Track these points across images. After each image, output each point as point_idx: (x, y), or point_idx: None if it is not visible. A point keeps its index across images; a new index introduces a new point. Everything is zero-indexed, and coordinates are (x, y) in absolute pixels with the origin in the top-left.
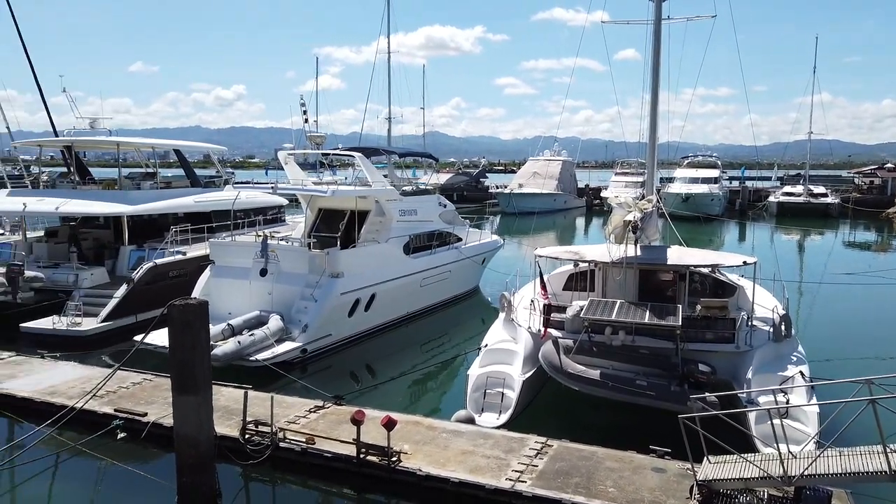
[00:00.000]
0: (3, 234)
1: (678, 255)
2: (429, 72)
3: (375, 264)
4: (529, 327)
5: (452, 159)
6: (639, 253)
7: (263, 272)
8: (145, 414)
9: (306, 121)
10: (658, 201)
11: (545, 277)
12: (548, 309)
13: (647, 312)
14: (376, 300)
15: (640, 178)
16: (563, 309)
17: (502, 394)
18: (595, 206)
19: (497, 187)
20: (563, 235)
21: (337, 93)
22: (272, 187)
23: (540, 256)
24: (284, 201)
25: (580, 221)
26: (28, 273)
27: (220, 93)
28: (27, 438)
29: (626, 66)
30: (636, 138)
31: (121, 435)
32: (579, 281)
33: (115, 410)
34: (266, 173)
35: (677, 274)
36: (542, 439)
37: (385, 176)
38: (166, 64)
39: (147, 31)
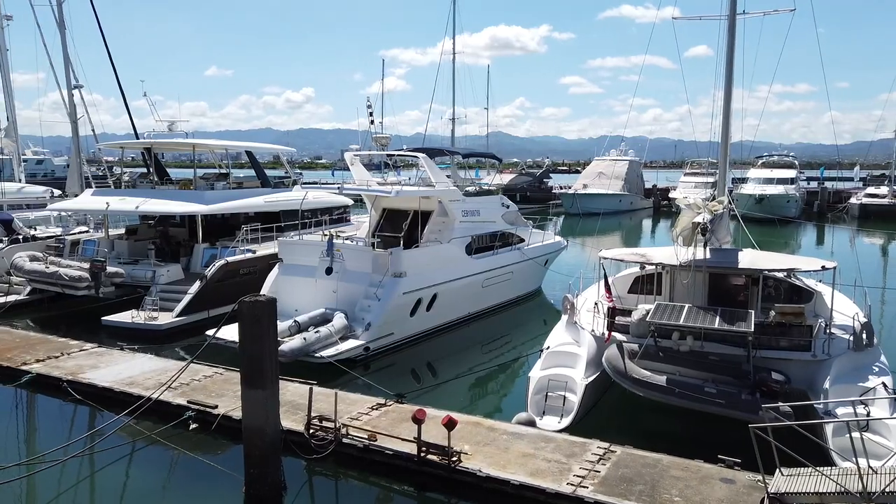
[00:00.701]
0: (87, 232)
1: (751, 258)
2: (493, 72)
3: (438, 264)
4: (593, 330)
5: (516, 159)
6: (708, 256)
7: (329, 271)
8: (216, 406)
9: (372, 122)
10: (730, 202)
11: (610, 280)
12: (612, 312)
13: (717, 318)
14: (438, 300)
15: (711, 179)
16: (628, 312)
17: (564, 397)
18: (663, 207)
19: (561, 188)
20: (628, 237)
21: (402, 94)
22: (338, 188)
23: (605, 258)
24: (350, 201)
25: (647, 223)
26: (110, 269)
27: (290, 95)
28: (107, 426)
29: (697, 62)
30: (707, 137)
31: (193, 426)
32: (645, 284)
33: (188, 402)
34: (332, 174)
35: (749, 278)
36: (605, 445)
37: (448, 176)
38: (239, 68)
39: (222, 38)
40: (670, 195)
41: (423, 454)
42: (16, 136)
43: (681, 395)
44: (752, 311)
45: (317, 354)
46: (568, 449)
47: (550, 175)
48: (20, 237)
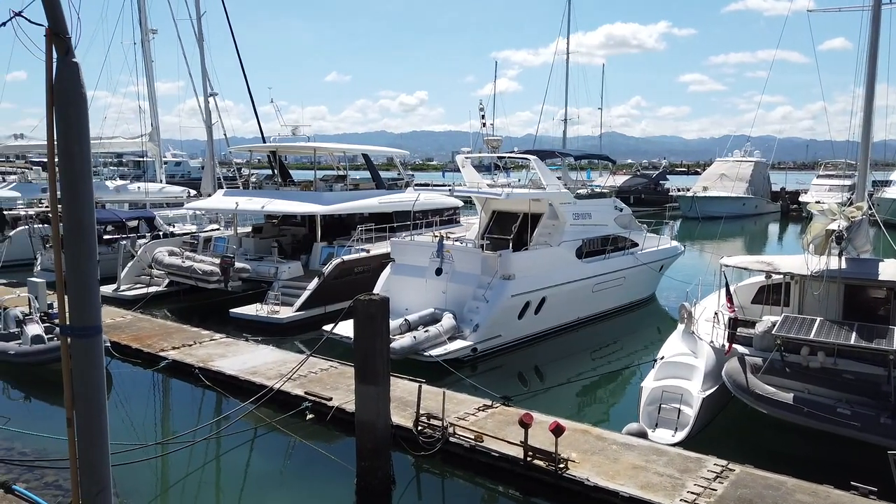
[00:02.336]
0: (218, 230)
1: (894, 269)
2: (608, 71)
3: (547, 267)
4: (712, 341)
5: (630, 160)
6: (844, 266)
7: (439, 271)
8: (330, 398)
9: (484, 124)
10: (870, 208)
11: (731, 288)
12: (734, 323)
13: (854, 333)
14: (547, 303)
15: (848, 182)
16: (751, 324)
17: (679, 410)
18: (792, 211)
19: (678, 190)
20: (752, 243)
21: (513, 95)
22: (449, 189)
23: (727, 266)
24: (460, 203)
25: (773, 228)
26: (238, 265)
27: (403, 99)
28: (232, 413)
29: (834, 56)
30: (845, 136)
31: (309, 416)
32: (771, 294)
33: (306, 393)
34: (443, 175)
35: (892, 291)
36: (723, 462)
37: (559, 178)
38: (357, 73)
39: (342, 45)
40: (801, 199)
41: (529, 459)
42: (158, 141)
43: (810, 415)
44: (894, 328)
45: (425, 353)
46: (682, 464)
47: (667, 177)
48: (160, 233)
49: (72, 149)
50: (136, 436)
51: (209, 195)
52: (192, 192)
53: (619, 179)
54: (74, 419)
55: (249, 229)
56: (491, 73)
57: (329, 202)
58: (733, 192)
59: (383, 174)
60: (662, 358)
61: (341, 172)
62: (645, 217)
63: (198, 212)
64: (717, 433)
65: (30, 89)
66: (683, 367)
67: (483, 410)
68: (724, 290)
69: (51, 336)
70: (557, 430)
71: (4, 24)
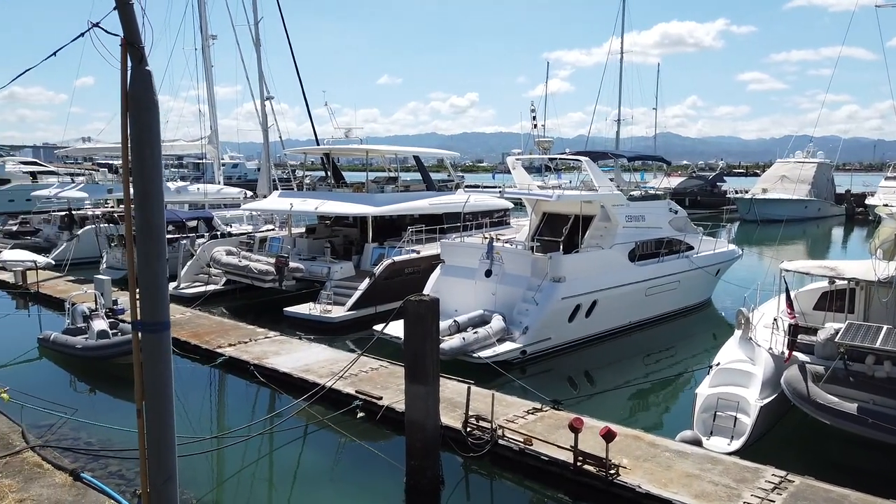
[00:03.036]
0: (273, 230)
1: None
2: (663, 70)
3: (598, 270)
4: (771, 348)
5: (685, 162)
6: None
7: (488, 273)
8: (381, 398)
9: (535, 126)
10: None
11: (792, 294)
12: (794, 329)
13: None
14: (598, 307)
15: None
16: (813, 331)
17: (735, 418)
18: (857, 215)
19: (736, 192)
20: (814, 248)
21: (565, 96)
22: (500, 191)
23: (787, 270)
24: (510, 204)
25: (837, 232)
26: (292, 264)
27: (454, 100)
28: (285, 410)
29: None
30: None
31: (360, 414)
32: (834, 300)
33: (356, 392)
34: (493, 177)
35: None
36: (782, 473)
37: (611, 180)
38: (408, 76)
39: (394, 48)
40: (867, 202)
41: (579, 463)
42: (217, 143)
43: (876, 427)
44: None
45: (474, 355)
46: (738, 473)
47: (724, 178)
48: (218, 233)
49: (144, 152)
50: (192, 429)
51: (265, 196)
52: (249, 193)
53: (675, 181)
54: (144, 410)
55: (303, 230)
56: (542, 73)
57: (380, 203)
58: (795, 194)
59: (434, 176)
60: (718, 364)
61: (392, 174)
62: (701, 220)
63: (254, 212)
64: (775, 443)
65: (97, 94)
66: (740, 374)
67: (532, 413)
68: (784, 296)
69: (115, 331)
70: (608, 436)
71: (83, 34)
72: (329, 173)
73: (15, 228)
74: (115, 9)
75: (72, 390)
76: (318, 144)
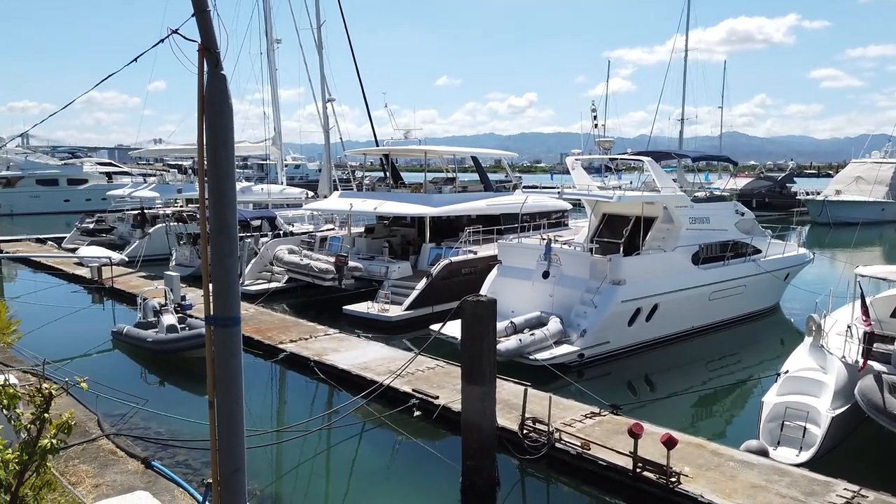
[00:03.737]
0: (333, 229)
1: None
2: (730, 67)
3: (660, 273)
4: (844, 357)
5: (753, 162)
6: None
7: (546, 274)
8: (437, 397)
9: (595, 126)
10: None
11: (868, 300)
12: (870, 338)
13: None
14: (659, 311)
15: None
16: (889, 339)
17: (804, 428)
18: None
19: (807, 193)
20: (892, 252)
21: (626, 95)
22: (558, 192)
23: (862, 276)
24: (569, 205)
25: None
26: (351, 263)
27: (512, 101)
28: (343, 406)
29: None
30: None
31: (416, 413)
32: None
33: (413, 390)
34: (551, 177)
35: None
36: (854, 487)
37: (674, 181)
38: (467, 76)
39: (453, 49)
40: None
41: (638, 470)
42: (280, 145)
43: None
44: None
45: (531, 356)
46: (807, 486)
47: (794, 179)
48: (281, 233)
49: (219, 154)
50: (254, 422)
51: (325, 197)
52: (310, 193)
53: (741, 182)
54: (215, 403)
55: (362, 229)
56: (603, 72)
57: (438, 204)
58: (871, 196)
59: (491, 176)
60: (787, 372)
61: (450, 175)
62: (769, 222)
63: (315, 212)
64: (848, 456)
65: (169, 97)
66: (810, 382)
67: (590, 418)
68: (858, 302)
69: (183, 326)
70: (670, 443)
71: (163, 40)
72: (388, 174)
73: (92, 226)
74: (192, 16)
75: (143, 381)
76: (377, 145)
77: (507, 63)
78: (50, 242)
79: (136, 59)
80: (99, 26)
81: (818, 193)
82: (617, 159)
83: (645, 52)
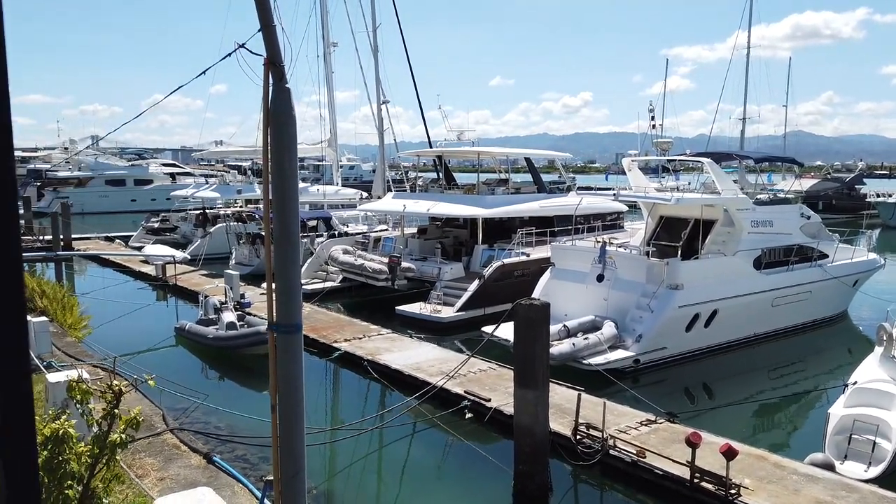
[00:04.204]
0: (387, 230)
1: None
2: (795, 64)
3: (720, 278)
4: None
5: (819, 162)
6: None
7: (600, 278)
8: (489, 399)
9: (653, 126)
10: None
11: None
12: None
13: None
14: (718, 316)
15: None
16: None
17: (874, 443)
18: None
19: (878, 195)
20: None
21: (685, 94)
22: (614, 193)
23: None
24: (624, 207)
25: None
26: (404, 264)
27: (567, 100)
28: (396, 406)
29: None
30: None
31: (468, 415)
32: None
33: (465, 392)
34: (606, 178)
35: None
36: None
37: (735, 182)
38: (520, 77)
39: (506, 49)
40: None
41: (696, 480)
42: (335, 146)
43: None
44: None
45: (584, 361)
46: (877, 503)
47: (864, 180)
48: (336, 233)
49: (283, 164)
50: (308, 420)
51: (379, 197)
52: (364, 194)
53: (807, 183)
54: (277, 406)
55: (415, 230)
56: (660, 71)
57: (490, 205)
58: None
59: (545, 177)
60: (855, 383)
61: (503, 176)
62: (837, 225)
63: (369, 213)
64: None
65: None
66: (881, 394)
67: (646, 425)
68: None
69: (242, 323)
70: (729, 453)
71: (230, 54)
72: (441, 175)
73: (156, 225)
74: (259, 31)
75: (203, 377)
76: (430, 147)
77: (562, 62)
78: (118, 241)
79: (204, 73)
80: (164, 32)
81: (890, 195)
82: (675, 160)
83: (705, 49)
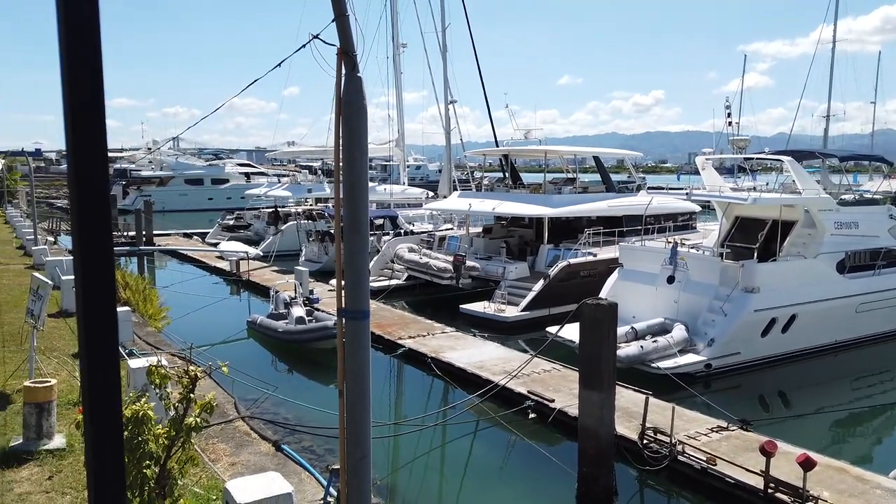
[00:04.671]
0: (452, 229)
1: None
2: (885, 58)
3: (799, 281)
4: None
5: None
6: None
7: (671, 279)
8: (553, 400)
9: (729, 124)
10: None
11: None
12: None
13: None
14: (797, 322)
15: None
16: None
17: None
18: None
19: None
20: None
21: (763, 91)
22: (686, 193)
23: None
24: (697, 207)
25: None
26: (468, 263)
27: (637, 99)
28: (458, 404)
29: None
30: None
31: (531, 415)
32: None
33: (528, 392)
34: (678, 178)
35: None
36: None
37: (817, 182)
38: (589, 76)
39: (576, 47)
40: None
41: (770, 490)
42: (403, 146)
43: None
44: None
45: (653, 364)
46: None
47: None
48: (402, 231)
49: (353, 154)
50: (373, 414)
51: (445, 197)
52: (430, 193)
53: None
54: (344, 391)
55: (480, 229)
56: (736, 67)
57: (557, 205)
58: None
59: (614, 177)
60: None
61: (570, 175)
62: None
63: (434, 212)
64: None
65: (301, 102)
66: None
67: (717, 432)
68: None
69: (310, 318)
70: (807, 464)
71: (304, 45)
72: (507, 174)
73: (231, 223)
74: (333, 21)
75: (273, 369)
76: (497, 146)
77: (633, 60)
78: (195, 237)
79: (279, 65)
80: (241, 37)
81: None
82: (752, 159)
83: (786, 44)
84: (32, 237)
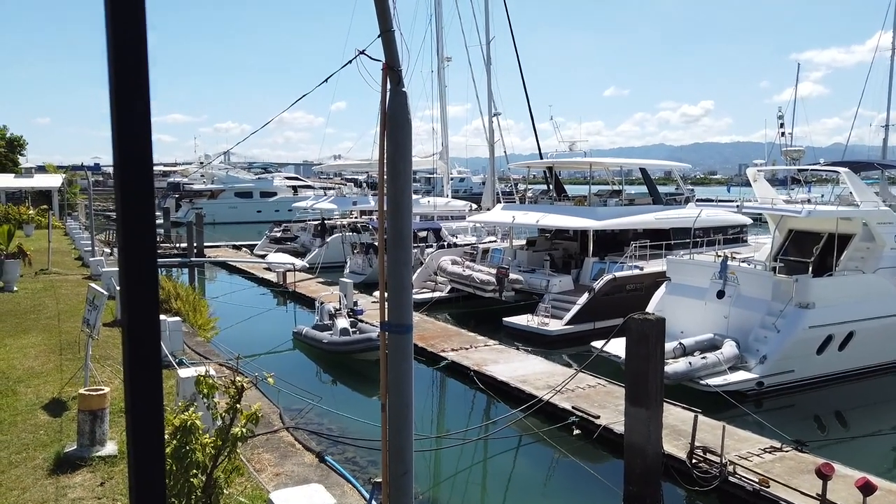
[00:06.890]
0: (495, 241)
1: None
2: None
3: (857, 297)
4: None
5: None
6: None
7: (721, 294)
8: (598, 416)
9: (783, 134)
10: None
11: None
12: None
13: None
14: (855, 339)
15: None
16: None
17: None
18: None
19: None
20: None
21: (817, 100)
22: (737, 205)
23: None
24: (748, 220)
25: None
26: (512, 275)
27: (686, 109)
28: (501, 418)
29: None
30: None
31: (576, 431)
32: None
33: (573, 407)
34: (728, 190)
35: None
36: None
37: (877, 194)
38: (636, 87)
39: (621, 58)
40: None
41: None
42: (447, 159)
43: None
44: None
45: (702, 381)
46: None
47: None
48: (445, 244)
49: (398, 167)
50: (416, 426)
51: (489, 209)
52: (474, 205)
53: None
54: (387, 405)
55: (524, 242)
56: (789, 76)
57: (602, 217)
58: None
59: (661, 189)
60: None
61: (616, 187)
62: None
63: (478, 224)
64: None
65: (348, 116)
66: None
67: (770, 452)
68: None
69: (354, 330)
70: (867, 488)
71: (350, 61)
72: (551, 186)
73: (278, 235)
74: (378, 37)
75: (318, 380)
76: (541, 158)
77: (680, 70)
78: (244, 249)
79: (326, 80)
80: (291, 53)
81: None
82: (807, 170)
83: (841, 52)
84: (90, 249)
